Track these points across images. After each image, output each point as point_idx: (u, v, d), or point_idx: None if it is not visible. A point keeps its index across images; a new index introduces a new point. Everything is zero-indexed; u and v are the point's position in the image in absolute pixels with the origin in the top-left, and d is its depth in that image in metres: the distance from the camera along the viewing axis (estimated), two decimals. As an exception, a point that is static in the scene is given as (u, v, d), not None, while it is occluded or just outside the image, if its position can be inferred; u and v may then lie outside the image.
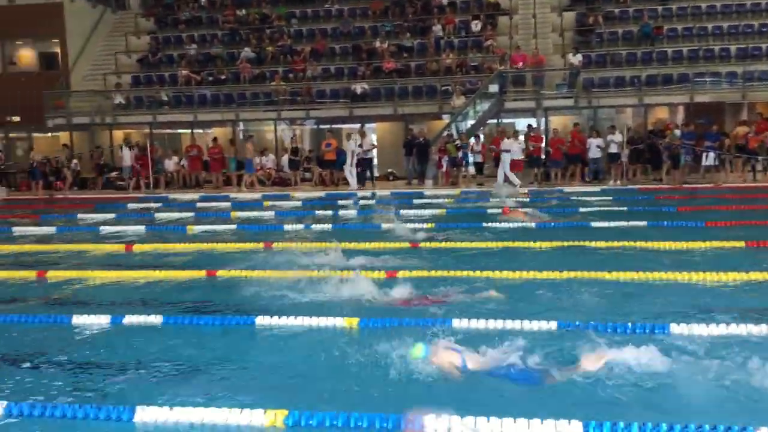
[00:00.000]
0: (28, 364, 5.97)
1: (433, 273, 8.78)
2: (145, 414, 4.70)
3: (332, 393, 5.18)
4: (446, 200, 17.56)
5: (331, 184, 21.52)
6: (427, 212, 15.07)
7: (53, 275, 9.52)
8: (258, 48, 26.40)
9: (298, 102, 23.93)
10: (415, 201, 17.20)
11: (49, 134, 26.99)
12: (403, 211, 14.83)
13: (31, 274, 9.58)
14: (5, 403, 4.89)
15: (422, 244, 11.10)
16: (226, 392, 5.18)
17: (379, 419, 4.57)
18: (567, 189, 18.82)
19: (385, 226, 13.22)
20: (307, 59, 25.39)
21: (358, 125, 22.91)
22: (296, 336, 6.56)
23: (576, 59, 22.56)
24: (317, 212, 15.80)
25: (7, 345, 6.55)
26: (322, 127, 23.92)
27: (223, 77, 25.10)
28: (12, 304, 8.04)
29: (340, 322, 6.84)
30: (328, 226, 13.49)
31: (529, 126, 21.04)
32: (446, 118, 22.36)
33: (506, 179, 19.49)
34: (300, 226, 13.47)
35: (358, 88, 23.41)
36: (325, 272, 8.97)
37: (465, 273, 8.74)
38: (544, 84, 22.30)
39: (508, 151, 19.63)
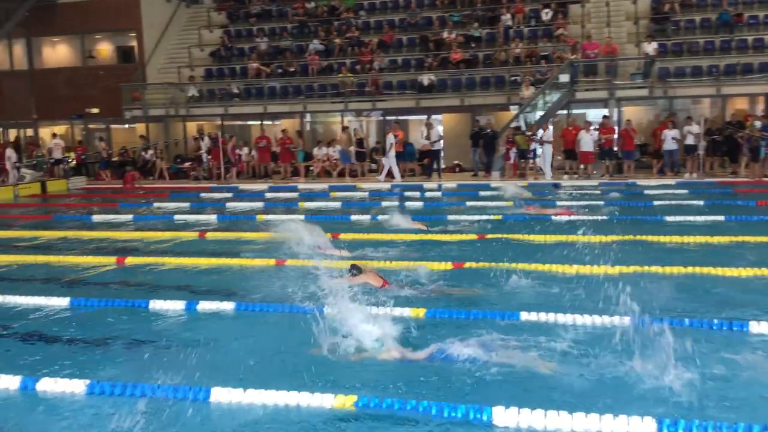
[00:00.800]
0: (107, 346, 6.24)
1: (497, 264, 8.71)
2: (220, 395, 4.85)
3: (402, 380, 5.21)
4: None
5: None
6: (493, 204, 14.93)
7: (131, 261, 9.89)
8: (326, 40, 26.64)
9: (364, 93, 24.03)
10: (482, 193, 17.08)
11: (126, 126, 27.99)
12: (469, 203, 14.75)
13: (110, 260, 9.97)
14: (88, 381, 5.13)
15: (489, 236, 11.02)
16: (294, 376, 5.29)
17: (448, 408, 4.59)
18: (641, 182, 18.32)
19: (451, 217, 13.22)
20: (374, 50, 25.45)
21: (423, 116, 22.86)
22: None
23: (651, 48, 21.84)
24: (382, 203, 15.88)
25: (88, 327, 6.84)
26: (388, 118, 23.96)
27: (292, 69, 25.44)
28: (93, 288, 8.40)
29: (408, 311, 6.88)
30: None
31: (604, 117, 20.54)
32: (514, 109, 22.04)
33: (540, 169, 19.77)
34: (366, 217, 13.58)
35: (425, 79, 23.33)
36: (388, 263, 9.06)
37: (533, 266, 8.64)
38: (617, 74, 21.68)
39: (550, 142, 19.65)
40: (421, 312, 6.82)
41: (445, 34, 25.07)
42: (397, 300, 7.06)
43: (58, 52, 29.96)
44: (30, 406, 4.94)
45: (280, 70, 25.65)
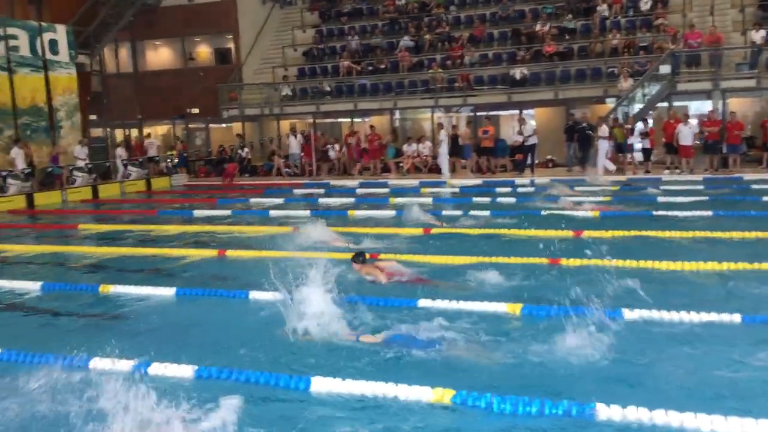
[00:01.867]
0: (210, 334, 6.46)
1: (596, 262, 8.45)
2: (320, 384, 4.93)
3: (500, 377, 5.15)
4: (611, 187, 16.79)
5: (488, 172, 21.32)
6: (590, 200, 14.52)
7: (231, 254, 10.23)
8: (416, 36, 26.66)
9: (455, 89, 23.90)
10: (577, 188, 16.64)
11: (224, 125, 28.99)
12: (565, 199, 14.39)
13: (212, 253, 10.34)
14: (195, 366, 5.33)
15: (585, 233, 10.71)
16: (393, 367, 5.31)
17: (549, 405, 4.49)
18: (748, 176, 17.36)
19: (545, 213, 12.95)
20: (465, 45, 25.27)
21: (515, 111, 22.50)
22: (464, 317, 6.56)
23: (758, 36, 20.62)
24: (474, 199, 15.75)
25: (191, 316, 7.11)
26: (479, 114, 23.72)
27: (382, 66, 25.61)
28: (195, 279, 8.73)
29: (502, 307, 6.79)
30: (485, 213, 13.38)
31: (711, 111, 19.57)
32: (610, 102, 21.36)
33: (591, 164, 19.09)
34: (458, 212, 13.50)
35: (518, 73, 22.96)
36: (483, 257, 8.97)
37: (635, 263, 8.35)
38: (722, 64, 20.61)
39: (606, 138, 19.11)
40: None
41: (537, 27, 24.58)
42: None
43: (160, 55, 31.36)
44: (144, 387, 5.17)
45: (370, 68, 25.87)
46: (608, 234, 10.48)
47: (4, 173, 18.83)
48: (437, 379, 4.94)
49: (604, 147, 19.23)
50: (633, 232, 10.42)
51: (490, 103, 23.44)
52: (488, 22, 26.61)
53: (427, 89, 24.23)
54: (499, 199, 15.62)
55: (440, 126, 22.07)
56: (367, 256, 8.38)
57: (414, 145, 22.39)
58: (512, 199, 15.68)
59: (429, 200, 16.08)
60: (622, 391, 4.81)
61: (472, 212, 13.37)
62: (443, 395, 4.69)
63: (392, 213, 13.98)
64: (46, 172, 20.72)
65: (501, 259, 8.91)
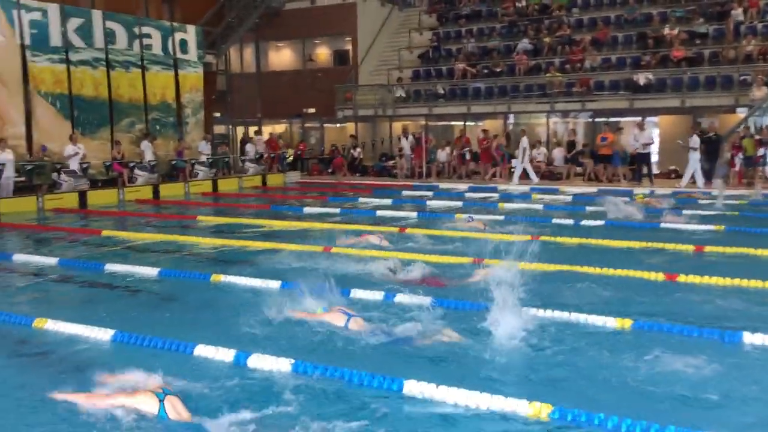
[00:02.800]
0: (312, 329, 6.53)
1: (717, 281, 7.90)
2: (412, 387, 4.85)
3: (600, 394, 4.89)
4: (738, 201, 15.70)
5: (605, 180, 20.52)
6: (714, 214, 13.63)
7: (336, 251, 10.35)
8: (535, 39, 26.10)
9: (573, 94, 23.17)
10: (701, 201, 15.69)
11: (338, 125, 29.58)
12: (686, 212, 13.60)
13: (318, 249, 10.51)
14: (293, 360, 5.40)
15: (707, 248, 10.06)
16: (488, 378, 5.16)
17: (654, 430, 4.19)
18: None
19: (664, 225, 12.29)
20: (586, 49, 24.46)
21: (637, 118, 21.51)
22: (561, 331, 6.31)
23: None
24: (587, 208, 15.18)
25: (284, 308, 7.18)
26: (597, 120, 22.89)
27: (498, 70, 25.25)
28: (304, 274, 8.89)
29: (611, 322, 6.47)
30: (599, 222, 12.85)
31: None
32: (741, 112, 20.00)
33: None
34: (569, 221, 13.05)
35: (642, 78, 21.94)
36: (594, 268, 8.61)
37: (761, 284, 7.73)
38: None
39: (696, 149, 18.52)
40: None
41: (666, 31, 23.42)
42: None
43: (281, 56, 32.42)
44: (241, 378, 5.29)
45: (486, 71, 25.56)
46: (731, 250, 9.79)
47: (132, 164, 20.04)
48: (534, 393, 4.75)
49: (695, 158, 18.70)
50: (759, 251, 9.67)
51: (610, 109, 22.56)
52: (612, 25, 25.64)
53: (544, 93, 23.65)
54: (612, 208, 14.94)
55: (523, 132, 21.67)
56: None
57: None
58: (630, 209, 14.95)
59: (539, 207, 15.66)
60: (729, 419, 4.45)
61: (584, 222, 12.91)
62: (540, 410, 4.50)
63: (500, 218, 13.71)
64: (171, 165, 21.89)
65: (616, 272, 8.51)
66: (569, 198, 17.58)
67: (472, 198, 18.07)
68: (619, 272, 8.48)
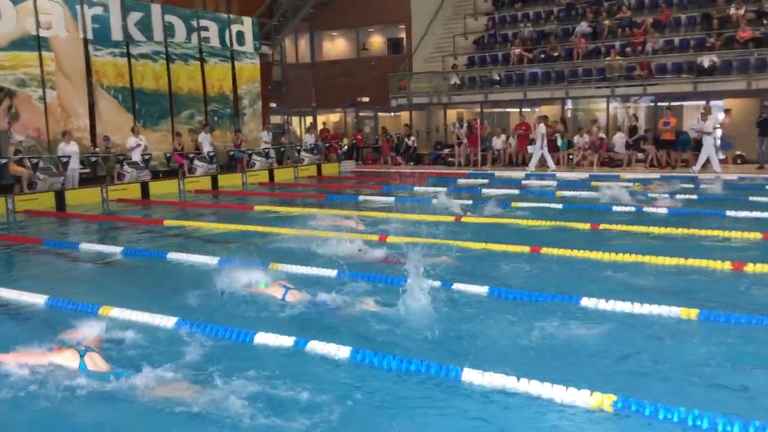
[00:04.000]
0: (369, 316, 6.53)
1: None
2: (471, 375, 4.80)
3: (667, 385, 4.74)
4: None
5: (667, 166, 19.92)
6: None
7: (391, 240, 10.33)
8: (594, 22, 25.45)
9: (634, 77, 22.52)
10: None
11: (392, 113, 29.53)
12: (752, 198, 13.10)
13: (374, 238, 10.50)
14: (350, 348, 5.41)
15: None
16: (548, 367, 5.07)
17: (722, 422, 4.04)
18: None
19: (729, 213, 11.84)
20: (647, 31, 23.72)
21: (701, 102, 20.80)
22: (620, 321, 6.16)
23: None
24: (650, 194, 14.77)
25: (341, 296, 7.18)
26: (660, 104, 22.20)
27: (555, 54, 24.74)
28: (358, 264, 8.91)
29: (675, 311, 6.27)
30: (662, 210, 12.48)
31: None
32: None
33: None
34: (631, 209, 12.71)
35: (706, 60, 21.15)
36: (656, 257, 8.37)
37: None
38: None
39: (709, 133, 18.45)
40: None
41: (731, 11, 22.50)
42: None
43: (336, 45, 32.53)
44: (301, 363, 5.35)
45: (542, 55, 25.09)
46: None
47: (192, 155, 20.45)
48: (596, 383, 4.64)
49: (710, 143, 18.58)
50: None
51: (673, 93, 21.86)
52: (675, 6, 24.78)
53: (603, 78, 23.06)
54: (678, 196, 14.50)
55: (540, 119, 21.41)
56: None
57: (586, 137, 21.42)
58: (693, 196, 14.50)
59: (598, 194, 15.30)
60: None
61: (646, 209, 12.56)
62: (603, 400, 4.38)
63: (559, 206, 13.46)
64: (229, 156, 22.25)
65: (677, 261, 8.25)
66: (630, 184, 17.13)
67: (528, 186, 17.80)
68: (683, 261, 8.22)
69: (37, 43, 18.16)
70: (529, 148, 21.44)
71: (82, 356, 5.17)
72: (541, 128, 20.82)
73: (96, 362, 5.18)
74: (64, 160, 17.25)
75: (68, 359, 5.19)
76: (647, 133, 21.35)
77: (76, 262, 9.73)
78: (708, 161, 18.74)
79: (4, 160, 16.50)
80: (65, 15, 18.79)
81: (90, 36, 19.40)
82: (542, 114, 22.59)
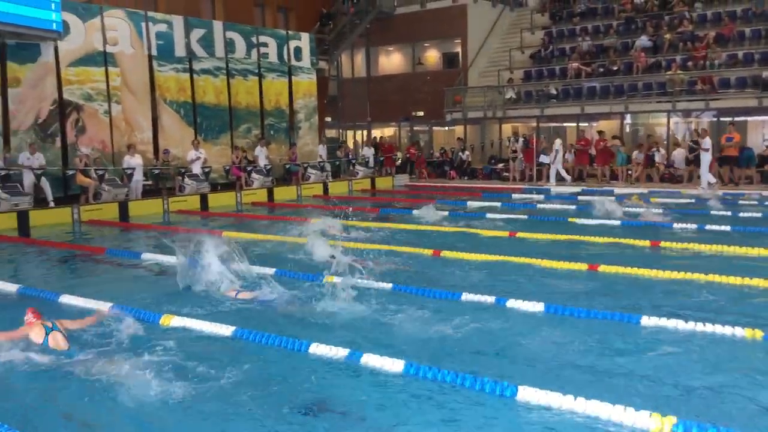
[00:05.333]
0: (424, 330, 6.53)
1: None
2: (526, 394, 4.75)
3: (729, 408, 4.59)
4: None
5: (729, 183, 19.33)
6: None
7: (445, 254, 10.31)
8: (655, 36, 24.98)
9: (695, 92, 21.99)
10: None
11: (446, 128, 29.51)
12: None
13: (428, 252, 10.51)
14: (403, 362, 5.41)
15: None
16: (605, 387, 4.97)
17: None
18: None
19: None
20: (710, 45, 23.15)
21: (766, 117, 20.16)
22: (681, 341, 6.00)
23: None
24: (712, 211, 14.38)
25: (399, 311, 7.22)
26: (723, 119, 21.59)
27: (614, 68, 24.36)
28: (412, 277, 8.92)
29: (740, 332, 6.07)
30: (724, 228, 12.11)
31: None
32: None
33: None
34: (692, 226, 12.38)
35: (772, 74, 20.53)
36: (714, 276, 8.14)
37: None
38: None
39: (707, 150, 18.87)
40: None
41: (799, 23, 21.80)
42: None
43: (391, 60, 32.74)
44: (354, 376, 5.38)
45: (601, 70, 24.74)
46: None
47: (249, 168, 20.84)
48: (656, 404, 4.52)
49: (706, 160, 18.95)
50: None
51: (736, 107, 21.25)
52: (739, 20, 24.14)
53: (664, 92, 22.58)
54: (742, 214, 14.07)
55: (556, 135, 22.34)
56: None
57: (635, 152, 21.00)
58: (757, 214, 14.04)
59: (658, 210, 14.95)
60: None
61: (708, 226, 12.22)
62: (663, 423, 4.27)
63: (616, 223, 13.21)
64: (285, 169, 22.59)
65: (740, 281, 8.00)
66: (693, 201, 16.71)
67: (585, 201, 17.51)
68: (747, 281, 7.97)
69: (103, 59, 18.87)
70: (543, 158, 22.21)
71: (47, 333, 5.96)
72: (556, 144, 21.66)
73: (57, 340, 5.95)
74: (129, 172, 17.82)
75: (36, 334, 5.99)
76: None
77: (137, 270, 10.01)
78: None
79: (71, 172, 17.16)
80: (131, 32, 19.47)
81: (154, 52, 20.04)
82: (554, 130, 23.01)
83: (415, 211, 14.81)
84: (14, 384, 5.50)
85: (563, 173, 21.92)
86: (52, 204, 16.38)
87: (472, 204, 17.30)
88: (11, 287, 8.70)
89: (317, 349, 5.84)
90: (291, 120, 24.20)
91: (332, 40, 28.37)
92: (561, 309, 7.01)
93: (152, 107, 20.15)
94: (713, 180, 19.17)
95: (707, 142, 19.05)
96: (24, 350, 5.91)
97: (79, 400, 5.10)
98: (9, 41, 16.82)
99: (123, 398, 5.01)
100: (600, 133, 22.03)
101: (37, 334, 6.00)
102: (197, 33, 21.14)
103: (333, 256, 9.22)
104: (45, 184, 16.46)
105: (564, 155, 22.16)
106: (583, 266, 9.11)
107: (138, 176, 18.14)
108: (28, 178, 16.31)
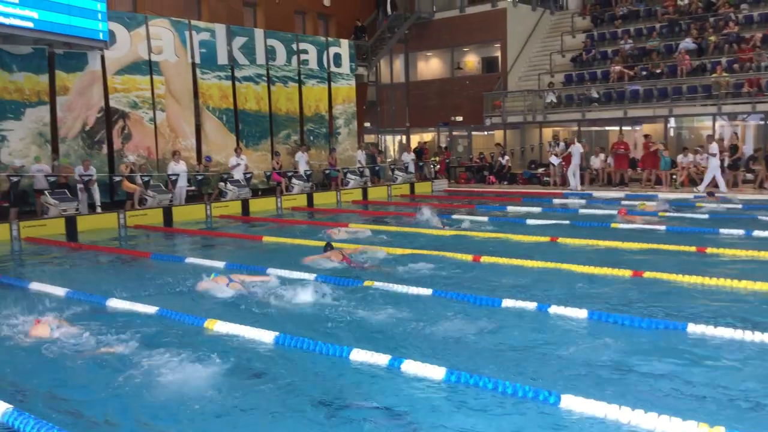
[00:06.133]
0: (465, 336, 6.51)
1: None
2: (570, 402, 4.69)
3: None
4: None
5: (780, 187, 18.83)
6: None
7: (486, 260, 10.25)
8: (699, 38, 24.48)
9: (742, 95, 21.47)
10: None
11: (485, 132, 29.36)
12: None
13: (467, 258, 10.47)
14: (444, 369, 5.40)
15: None
16: (650, 397, 4.89)
17: None
18: None
19: None
20: (756, 47, 22.59)
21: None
22: (729, 350, 5.87)
23: None
24: (759, 217, 14.01)
25: (442, 317, 7.21)
26: (771, 122, 21.05)
27: (658, 71, 23.94)
28: (450, 282, 8.89)
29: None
30: (773, 234, 11.81)
31: None
32: None
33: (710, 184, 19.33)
34: (740, 232, 12.08)
35: (822, 76, 19.95)
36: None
37: None
38: None
39: (714, 155, 19.13)
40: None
41: None
42: None
43: (430, 65, 32.73)
44: (394, 381, 5.39)
45: (644, 73, 24.34)
46: None
47: (290, 174, 21.05)
48: (704, 414, 4.43)
49: (714, 165, 19.20)
50: None
51: (785, 110, 20.70)
52: (788, 20, 23.53)
53: (709, 95, 22.11)
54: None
55: (575, 139, 22.52)
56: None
57: (690, 156, 20.58)
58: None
59: (704, 216, 14.64)
60: None
61: (756, 232, 11.91)
62: (712, 434, 4.19)
63: (662, 228, 12.97)
64: (324, 174, 22.74)
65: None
66: (739, 206, 16.32)
67: (629, 206, 17.24)
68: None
69: (148, 68, 19.27)
70: (553, 159, 22.56)
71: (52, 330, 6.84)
72: (574, 148, 21.68)
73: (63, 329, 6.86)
74: (173, 178, 18.16)
75: (41, 332, 6.78)
76: (757, 153, 20.28)
77: (182, 275, 10.17)
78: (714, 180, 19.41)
79: (118, 178, 17.55)
80: (175, 41, 19.86)
81: (197, 60, 20.40)
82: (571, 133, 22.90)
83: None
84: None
85: (574, 179, 21.96)
86: (99, 210, 16.78)
87: (514, 209, 17.18)
88: (60, 291, 8.93)
89: (358, 355, 5.86)
90: (330, 126, 24.37)
91: (371, 45, 28.50)
92: (605, 316, 6.91)
93: (195, 114, 20.51)
94: (723, 187, 19.17)
95: (714, 147, 19.24)
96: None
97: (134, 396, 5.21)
98: (57, 51, 17.31)
99: (170, 396, 5.10)
100: (646, 136, 21.67)
101: (45, 330, 6.81)
102: (239, 41, 21.45)
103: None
104: (95, 190, 16.86)
105: (581, 159, 22.13)
106: (627, 272, 8.97)
107: (182, 182, 18.46)
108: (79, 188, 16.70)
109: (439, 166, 26.79)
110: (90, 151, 17.97)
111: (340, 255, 10.27)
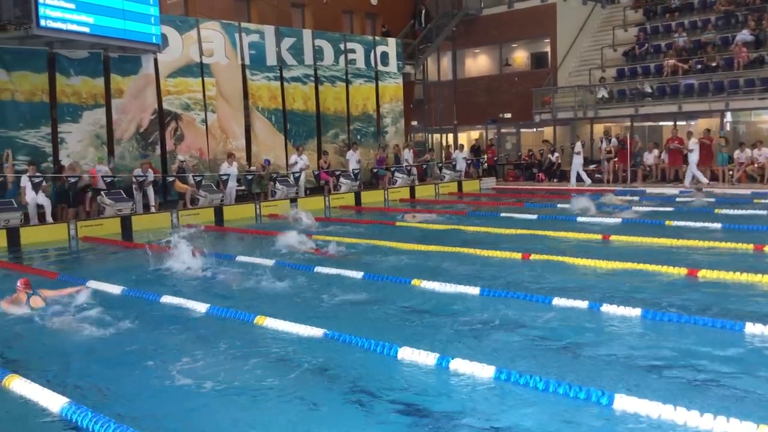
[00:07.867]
0: (514, 335, 6.45)
1: None
2: (624, 402, 4.60)
3: None
4: None
5: None
6: None
7: (535, 257, 10.12)
8: (757, 30, 23.67)
9: (803, 87, 20.71)
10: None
11: (534, 129, 28.98)
12: None
13: (516, 256, 10.36)
14: (494, 368, 5.35)
15: None
16: (707, 397, 4.75)
17: None
18: None
19: None
20: (819, 37, 21.76)
21: None
22: None
23: None
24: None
25: (492, 315, 7.14)
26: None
27: (713, 64, 23.26)
28: (499, 281, 8.82)
29: None
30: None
31: None
32: None
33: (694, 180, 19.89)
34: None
35: None
36: None
37: None
38: None
39: (691, 151, 19.73)
40: None
41: None
42: None
43: (478, 62, 32.47)
44: (444, 381, 5.37)
45: (699, 66, 23.68)
46: None
47: (338, 173, 21.17)
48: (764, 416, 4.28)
49: (693, 160, 19.80)
50: None
51: None
52: None
53: (767, 88, 21.36)
54: None
55: (578, 137, 22.65)
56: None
57: (748, 151, 19.94)
58: None
59: (763, 212, 14.17)
60: None
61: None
62: (772, 438, 4.04)
63: (717, 225, 12.60)
64: (372, 173, 22.80)
65: None
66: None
67: (683, 202, 16.82)
68: None
69: (200, 70, 19.64)
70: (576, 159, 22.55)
71: (28, 297, 7.85)
72: (577, 146, 22.23)
73: (36, 302, 7.83)
74: (225, 178, 18.47)
75: (19, 299, 7.83)
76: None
77: (232, 273, 10.33)
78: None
79: (170, 178, 17.94)
80: (225, 43, 20.19)
81: (247, 61, 20.70)
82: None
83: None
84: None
85: (583, 176, 22.21)
86: (153, 209, 17.18)
87: (564, 206, 16.93)
88: (116, 289, 9.17)
89: (405, 353, 5.86)
90: (378, 124, 24.42)
91: (418, 43, 28.43)
92: (659, 315, 6.75)
93: (245, 115, 20.80)
94: (704, 180, 19.80)
95: (693, 142, 19.80)
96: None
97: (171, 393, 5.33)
98: (112, 55, 17.78)
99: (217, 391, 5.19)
100: (707, 131, 21.08)
101: (20, 299, 7.84)
102: (287, 42, 21.67)
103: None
104: (150, 191, 17.27)
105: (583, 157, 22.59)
106: (682, 270, 8.75)
107: (232, 183, 18.76)
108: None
109: (486, 164, 26.58)
110: (144, 152, 18.41)
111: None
